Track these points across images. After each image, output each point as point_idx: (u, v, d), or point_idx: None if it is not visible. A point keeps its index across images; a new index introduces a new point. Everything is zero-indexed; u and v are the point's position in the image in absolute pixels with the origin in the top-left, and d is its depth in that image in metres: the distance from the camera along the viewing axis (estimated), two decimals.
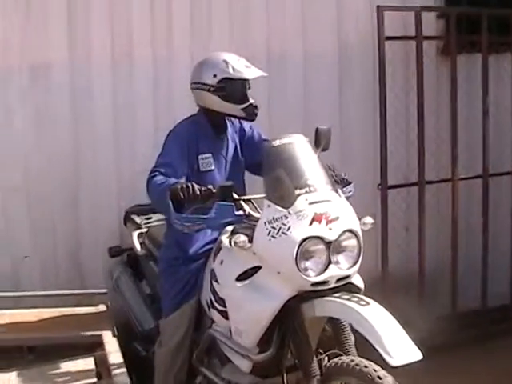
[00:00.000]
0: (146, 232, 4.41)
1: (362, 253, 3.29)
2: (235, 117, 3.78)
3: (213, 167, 3.76)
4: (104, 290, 4.41)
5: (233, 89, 3.68)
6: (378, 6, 4.78)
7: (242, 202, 3.40)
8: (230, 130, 3.90)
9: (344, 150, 5.28)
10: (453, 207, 5.22)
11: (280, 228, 3.17)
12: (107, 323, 3.99)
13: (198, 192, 3.32)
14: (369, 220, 3.47)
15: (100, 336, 3.84)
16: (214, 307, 3.55)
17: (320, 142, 3.63)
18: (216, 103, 3.71)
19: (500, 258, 5.60)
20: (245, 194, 3.60)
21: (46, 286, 4.72)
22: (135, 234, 4.45)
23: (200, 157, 3.73)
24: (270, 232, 3.19)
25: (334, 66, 5.24)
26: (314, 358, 3.22)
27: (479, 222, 5.39)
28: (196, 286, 3.74)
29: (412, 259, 5.30)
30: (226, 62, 3.70)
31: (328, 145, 3.70)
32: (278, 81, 5.11)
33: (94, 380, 3.42)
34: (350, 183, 3.74)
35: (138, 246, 4.40)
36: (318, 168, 3.37)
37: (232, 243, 3.25)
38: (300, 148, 3.39)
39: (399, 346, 2.93)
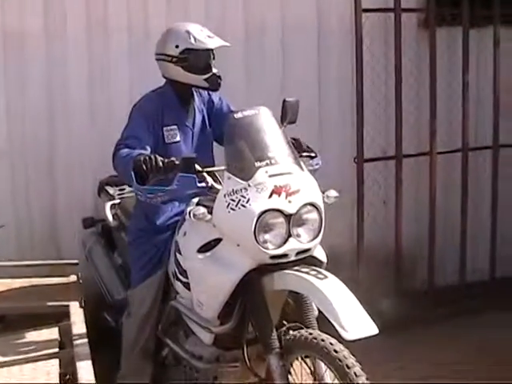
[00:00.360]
0: (119, 203, 4.40)
1: (323, 226, 3.27)
2: (199, 87, 3.76)
3: (178, 139, 3.74)
4: (75, 261, 4.39)
5: (195, 59, 3.66)
6: None
7: (204, 174, 3.38)
8: (197, 101, 3.88)
9: (323, 123, 5.28)
10: (430, 181, 5.21)
11: (239, 200, 3.16)
12: (76, 294, 3.98)
13: (160, 164, 3.30)
14: (333, 193, 3.45)
15: (67, 306, 3.83)
16: (177, 279, 3.56)
17: (287, 114, 3.62)
18: (179, 74, 3.69)
19: (480, 233, 5.60)
20: (213, 166, 3.59)
21: (22, 255, 4.73)
22: (108, 204, 4.43)
23: (165, 128, 3.71)
24: (229, 204, 3.17)
25: (313, 38, 5.18)
26: (274, 332, 3.21)
27: (458, 197, 5.38)
28: (163, 258, 3.75)
29: (390, 234, 5.29)
30: (188, 32, 3.67)
31: (295, 117, 3.68)
32: (256, 54, 5.08)
33: (56, 350, 3.41)
34: (316, 156, 3.74)
35: (110, 218, 4.39)
36: (280, 141, 3.34)
37: (191, 215, 3.24)
38: (263, 120, 3.35)
39: (354, 321, 2.92)
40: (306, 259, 3.25)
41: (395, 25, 4.93)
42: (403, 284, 5.26)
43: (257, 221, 3.12)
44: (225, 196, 3.19)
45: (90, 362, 3.10)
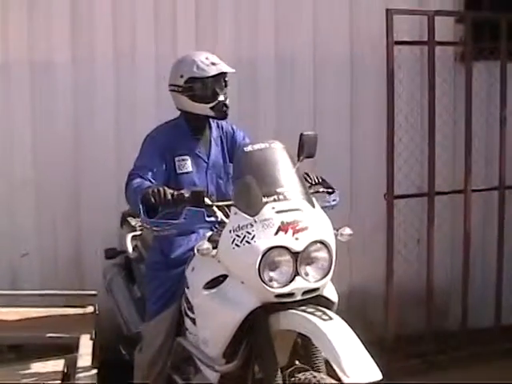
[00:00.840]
0: (140, 235, 4.36)
1: (333, 265, 3.16)
2: (207, 116, 3.70)
3: (190, 169, 3.69)
4: (93, 292, 4.36)
5: (199, 88, 3.63)
6: (387, 10, 4.61)
7: (214, 208, 3.32)
8: (214, 133, 3.83)
9: (354, 157, 5.17)
10: (465, 220, 5.03)
11: (244, 236, 3.08)
12: (89, 326, 3.94)
13: (169, 196, 3.26)
14: (347, 231, 3.34)
15: (78, 338, 3.79)
16: (186, 314, 3.49)
17: (303, 148, 3.54)
18: (186, 104, 3.67)
19: None
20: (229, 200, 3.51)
21: (45, 284, 4.72)
22: (129, 236, 4.39)
23: (176, 159, 3.68)
24: (234, 240, 3.10)
25: (346, 71, 5.09)
26: (279, 373, 3.10)
27: (495, 236, 5.18)
28: (178, 292, 3.66)
29: (423, 272, 5.13)
30: (193, 61, 3.65)
31: (313, 151, 3.61)
32: (287, 84, 5.02)
33: (58, 382, 3.37)
34: (333, 191, 3.64)
35: (130, 249, 4.34)
36: (291, 176, 3.25)
37: (195, 250, 3.17)
38: (273, 155, 3.28)
39: (357, 365, 2.81)
40: (315, 299, 3.15)
41: (429, 58, 4.80)
42: (436, 324, 5.08)
43: (261, 258, 3.03)
44: (230, 231, 3.12)
45: None
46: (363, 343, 2.93)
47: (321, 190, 3.63)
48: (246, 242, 3.07)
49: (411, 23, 5.01)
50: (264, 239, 3.04)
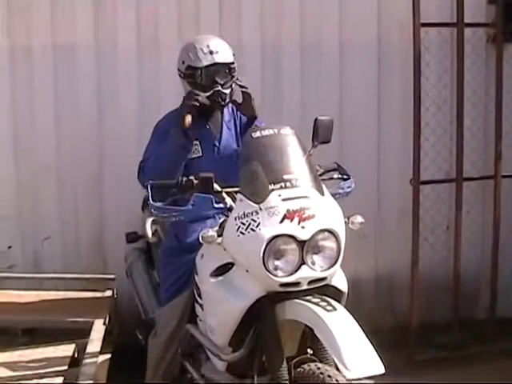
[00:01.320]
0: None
1: (341, 254, 3.08)
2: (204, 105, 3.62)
3: (200, 154, 3.66)
4: (112, 276, 4.37)
5: (197, 76, 3.59)
6: None
7: (224, 195, 3.28)
8: (226, 116, 3.78)
9: (381, 141, 5.05)
10: (495, 206, 4.91)
11: (249, 224, 3.02)
12: (103, 310, 3.94)
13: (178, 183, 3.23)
14: (358, 219, 3.26)
15: (92, 323, 3.79)
16: (196, 301, 3.46)
17: (318, 133, 3.46)
18: (188, 90, 3.61)
19: None
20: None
21: (68, 267, 4.75)
22: (149, 220, 4.35)
23: None
24: (239, 228, 3.04)
25: (373, 54, 4.95)
26: (285, 363, 3.05)
27: None
28: (191, 279, 3.63)
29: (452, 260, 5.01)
30: (194, 47, 3.59)
31: (329, 137, 3.52)
32: (312, 69, 4.91)
33: (66, 367, 3.37)
34: (349, 178, 3.56)
35: (149, 234, 4.33)
36: (299, 163, 3.16)
37: (200, 237, 3.13)
38: (282, 141, 3.20)
39: (358, 358, 2.73)
40: (324, 289, 3.08)
41: (457, 40, 4.66)
42: (463, 313, 4.97)
43: (266, 246, 2.97)
44: (235, 219, 3.06)
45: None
46: (366, 335, 2.84)
47: (335, 176, 3.55)
48: (251, 229, 3.00)
49: (441, 4, 4.88)
50: (269, 227, 2.98)
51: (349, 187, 3.53)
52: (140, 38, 4.73)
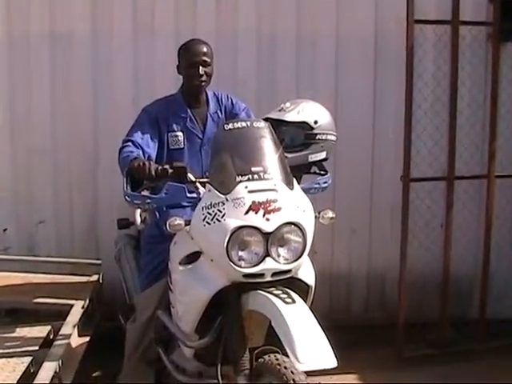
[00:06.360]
0: None
1: (307, 247, 3.11)
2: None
3: (182, 145, 3.72)
4: (98, 261, 4.43)
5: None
6: None
7: (198, 185, 3.32)
8: (211, 107, 3.83)
9: (376, 138, 5.06)
10: (487, 205, 4.87)
11: (215, 214, 3.05)
12: (85, 294, 4.01)
13: (152, 172, 3.28)
14: (329, 214, 3.29)
15: (71, 306, 3.86)
16: (169, 288, 3.50)
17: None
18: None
19: None
20: None
21: (61, 252, 4.83)
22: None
23: (170, 134, 3.73)
24: (205, 217, 3.08)
25: (369, 49, 4.97)
26: (247, 353, 3.10)
27: None
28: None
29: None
30: None
31: None
32: (308, 62, 4.93)
33: (36, 348, 3.44)
34: (326, 173, 3.58)
35: (138, 220, 4.39)
36: (270, 156, 3.19)
37: (167, 225, 3.17)
38: (254, 134, 3.22)
39: (311, 351, 2.75)
40: (289, 281, 3.11)
41: (452, 38, 4.63)
42: (457, 312, 4.96)
43: (230, 237, 3.01)
44: (203, 209, 3.10)
45: (55, 364, 3.09)
46: (323, 329, 2.86)
47: (312, 171, 3.58)
48: (217, 219, 3.04)
49: (441, 2, 4.84)
50: (234, 218, 3.01)
51: (325, 183, 3.57)
52: (136, 27, 4.79)
